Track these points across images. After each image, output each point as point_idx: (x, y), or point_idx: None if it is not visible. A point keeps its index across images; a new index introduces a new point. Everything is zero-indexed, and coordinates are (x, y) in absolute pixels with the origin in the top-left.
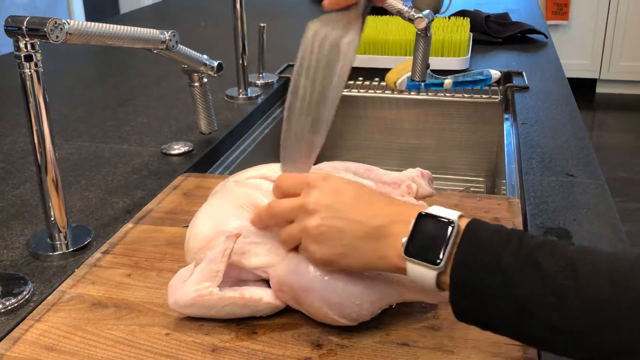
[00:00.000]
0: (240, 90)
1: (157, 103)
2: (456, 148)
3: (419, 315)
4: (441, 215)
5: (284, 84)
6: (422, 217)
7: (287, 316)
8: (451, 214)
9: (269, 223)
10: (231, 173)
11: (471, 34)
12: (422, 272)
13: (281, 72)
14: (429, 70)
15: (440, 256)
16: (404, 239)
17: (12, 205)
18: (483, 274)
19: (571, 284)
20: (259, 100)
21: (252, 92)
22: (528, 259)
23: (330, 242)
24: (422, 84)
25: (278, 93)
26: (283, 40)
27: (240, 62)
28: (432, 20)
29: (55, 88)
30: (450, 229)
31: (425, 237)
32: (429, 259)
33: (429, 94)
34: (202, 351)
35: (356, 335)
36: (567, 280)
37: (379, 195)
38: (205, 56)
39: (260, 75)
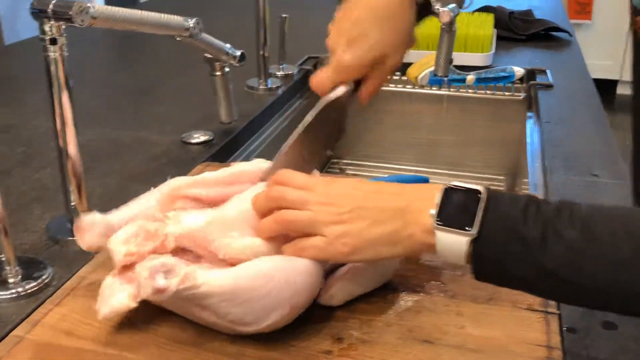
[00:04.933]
0: (261, 81)
1: (178, 91)
2: (476, 145)
3: (442, 312)
4: (467, 186)
5: (304, 75)
6: (449, 189)
7: (307, 310)
8: (475, 186)
9: (269, 206)
10: None
11: (495, 30)
12: (453, 241)
13: (302, 64)
14: (451, 66)
15: (473, 222)
16: (432, 210)
17: (33, 189)
18: (506, 244)
19: (589, 244)
20: (279, 92)
21: (272, 83)
22: (547, 226)
23: (357, 230)
24: (445, 79)
25: (298, 85)
26: (304, 32)
27: (261, 52)
28: (457, 14)
29: (78, 74)
30: (479, 197)
31: (454, 206)
32: (462, 224)
33: (451, 89)
34: (221, 340)
35: (377, 331)
36: (585, 241)
37: (389, 183)
38: (228, 45)
39: (281, 66)
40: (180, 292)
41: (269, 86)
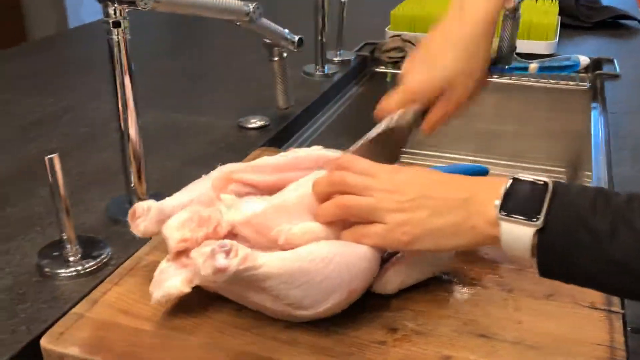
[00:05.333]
0: (317, 67)
1: (236, 76)
2: (537, 136)
3: (499, 307)
4: (533, 178)
5: (361, 62)
6: (515, 180)
7: (360, 299)
8: (542, 178)
9: (329, 191)
10: None
11: (559, 18)
12: (519, 232)
13: (359, 50)
14: (514, 54)
15: (540, 213)
16: (497, 201)
17: (94, 170)
18: (573, 235)
19: None
20: (335, 78)
21: (328, 69)
22: (618, 217)
23: (418, 220)
24: (506, 67)
25: (355, 71)
26: (363, 19)
27: (319, 38)
28: (522, 0)
29: (139, 58)
30: (545, 187)
31: (520, 197)
32: (528, 215)
33: (512, 78)
34: (275, 327)
35: (432, 323)
36: None
37: (454, 175)
38: (286, 30)
39: (338, 52)
40: (240, 273)
41: (326, 72)
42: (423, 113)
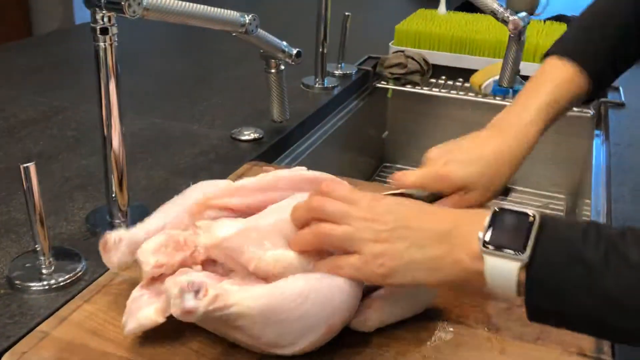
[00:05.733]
0: (317, 80)
1: (233, 84)
2: (538, 160)
3: (484, 349)
4: (520, 209)
5: (363, 76)
6: (499, 211)
7: (338, 335)
8: (527, 210)
9: (307, 217)
10: (299, 164)
11: None
12: (503, 267)
13: (361, 64)
14: (518, 76)
15: (527, 246)
16: (480, 233)
17: (78, 176)
18: (565, 269)
19: None
20: (335, 91)
21: (328, 82)
22: (611, 249)
23: (396, 251)
24: (510, 90)
25: (355, 85)
26: (367, 32)
27: (320, 50)
28: (528, 23)
29: (135, 60)
30: (531, 219)
31: (506, 230)
32: (513, 247)
33: None
34: (251, 359)
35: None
36: None
37: (437, 207)
38: (284, 43)
39: (339, 65)
40: (211, 313)
41: (325, 85)
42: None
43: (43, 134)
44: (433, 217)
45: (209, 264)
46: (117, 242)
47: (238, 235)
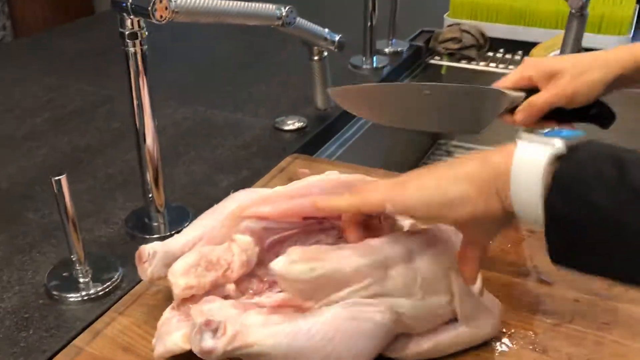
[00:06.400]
0: (366, 59)
1: (278, 68)
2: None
3: None
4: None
5: (414, 52)
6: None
7: None
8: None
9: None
10: (343, 154)
11: (638, 7)
12: (534, 155)
13: (413, 39)
14: (581, 51)
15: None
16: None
17: (120, 172)
18: (597, 162)
19: None
20: (385, 72)
21: (378, 61)
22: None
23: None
24: None
25: (407, 63)
26: (419, 3)
27: (369, 24)
28: None
29: (176, 46)
30: (558, 142)
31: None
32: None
33: None
34: None
35: None
36: None
37: None
38: (326, 30)
39: (390, 42)
40: (230, 353)
41: (375, 65)
42: None
43: (89, 127)
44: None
45: (242, 280)
46: (151, 255)
47: (317, 281)
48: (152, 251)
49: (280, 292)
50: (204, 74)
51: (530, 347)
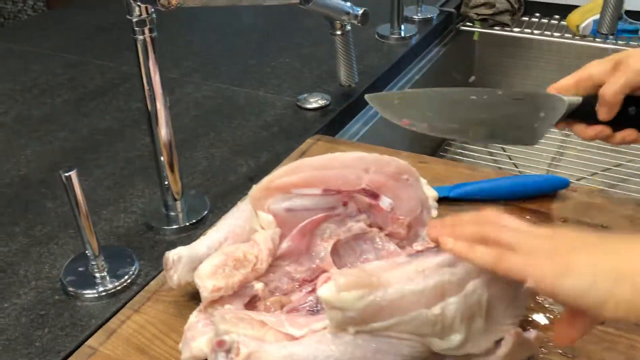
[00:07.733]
0: (394, 28)
1: (302, 39)
2: None
3: None
4: None
5: (445, 19)
6: None
7: None
8: None
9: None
10: (367, 132)
11: None
12: None
13: (443, 5)
14: (622, 12)
15: None
16: None
17: (140, 156)
18: None
19: None
20: (413, 41)
21: (406, 30)
22: None
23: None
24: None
25: (437, 30)
26: None
27: None
28: None
29: (202, 17)
30: None
31: None
32: None
33: (619, 42)
34: None
35: None
36: None
37: None
38: (348, 3)
39: (419, 8)
40: None
41: (402, 35)
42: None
43: (109, 107)
44: None
45: (271, 278)
46: (176, 261)
47: (365, 310)
48: (176, 257)
49: (310, 291)
50: (225, 45)
51: (560, 351)
